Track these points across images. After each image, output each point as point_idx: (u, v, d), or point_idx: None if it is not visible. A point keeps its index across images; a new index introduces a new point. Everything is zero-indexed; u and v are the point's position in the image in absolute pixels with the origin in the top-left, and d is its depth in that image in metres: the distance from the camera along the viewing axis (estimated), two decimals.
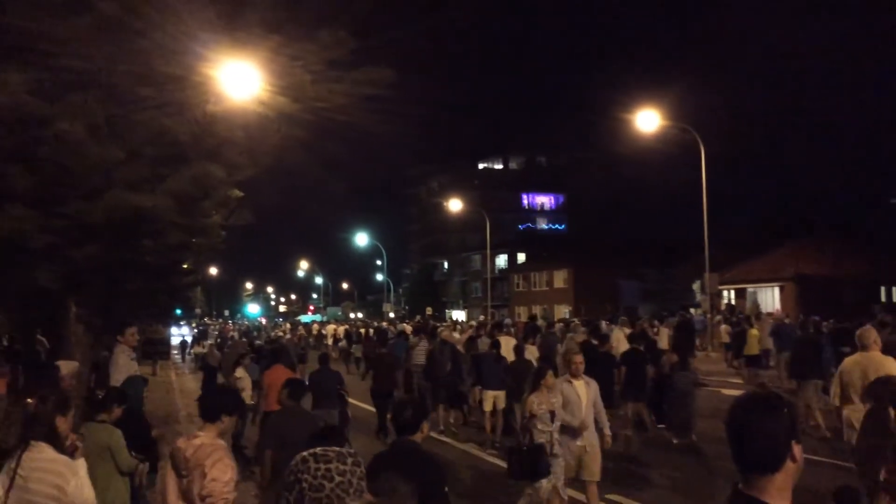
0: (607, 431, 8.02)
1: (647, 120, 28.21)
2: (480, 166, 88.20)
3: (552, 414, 7.48)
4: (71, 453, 4.19)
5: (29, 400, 4.18)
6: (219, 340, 27.57)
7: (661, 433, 12.21)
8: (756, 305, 38.49)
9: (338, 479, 2.06)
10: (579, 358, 8.05)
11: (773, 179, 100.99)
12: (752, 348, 19.03)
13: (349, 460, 2.13)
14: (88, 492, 4.04)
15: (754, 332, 19.17)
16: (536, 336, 15.89)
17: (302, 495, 2.01)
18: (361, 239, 66.23)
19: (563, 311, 55.16)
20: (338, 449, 2.11)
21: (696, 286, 39.20)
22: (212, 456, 4.07)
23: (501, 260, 76.38)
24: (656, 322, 23.80)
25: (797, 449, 2.12)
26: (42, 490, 3.91)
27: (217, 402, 4.51)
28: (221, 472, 4.02)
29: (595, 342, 13.71)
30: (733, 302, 41.65)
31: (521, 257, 74.92)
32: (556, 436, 7.49)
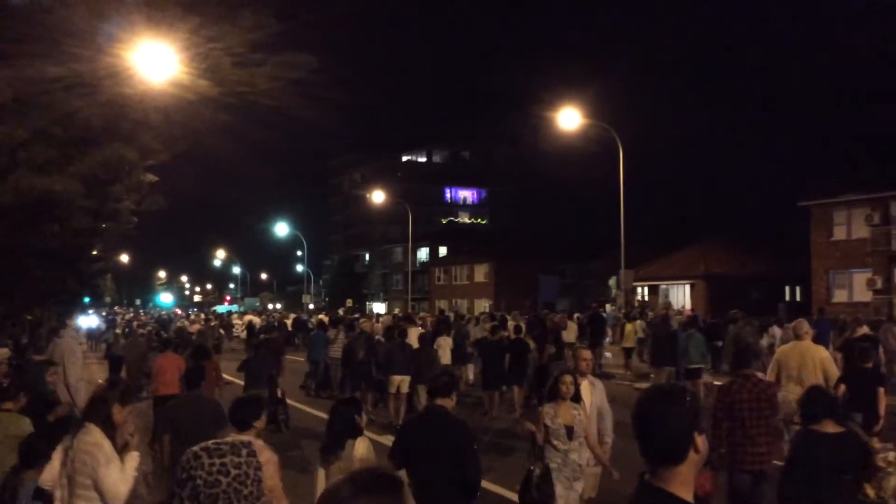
0: (608, 439, 6.78)
1: (569, 118, 28.68)
2: (404, 159, 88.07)
3: (570, 430, 5.97)
4: (122, 445, 4.45)
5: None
6: (126, 330, 26.83)
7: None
8: (668, 302, 39.75)
9: (234, 472, 2.00)
10: (587, 353, 7.04)
11: (688, 179, 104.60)
12: (629, 341, 20.69)
13: (244, 451, 2.07)
14: (122, 486, 4.24)
15: (630, 326, 20.85)
16: (448, 328, 17.24)
17: (196, 492, 1.93)
18: (281, 229, 65.23)
19: (483, 304, 55.66)
20: (231, 441, 2.05)
21: (612, 282, 40.16)
22: (261, 455, 4.20)
23: (423, 253, 76.49)
24: (562, 315, 24.63)
25: (700, 440, 2.17)
26: (82, 470, 4.27)
27: (242, 411, 4.63)
28: (272, 468, 4.17)
29: (504, 333, 14.92)
30: (646, 298, 42.86)
31: (443, 251, 75.19)
32: (572, 457, 6.01)
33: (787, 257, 41.78)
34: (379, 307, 70.99)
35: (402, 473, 4.88)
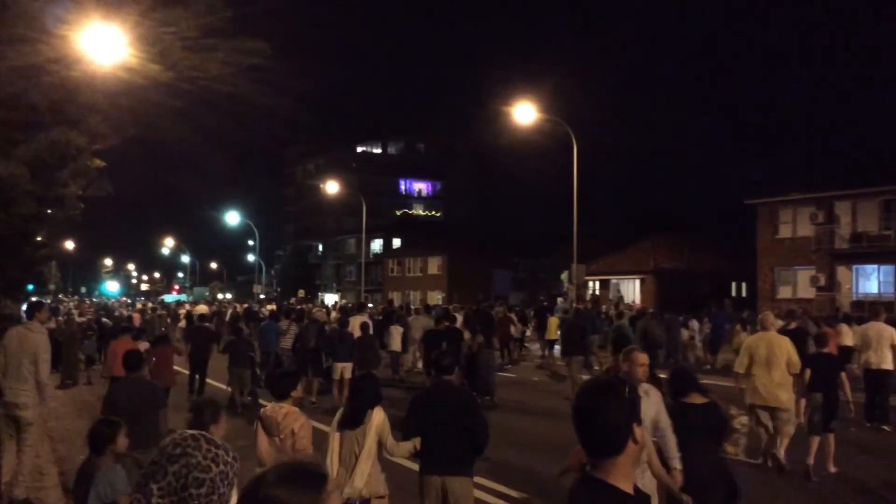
0: (676, 464, 5.38)
1: (524, 112, 28.82)
2: (359, 149, 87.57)
3: None
4: None
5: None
6: (66, 317, 26.73)
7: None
8: (619, 296, 40.33)
9: (222, 466, 2.02)
10: (643, 357, 5.60)
11: (641, 176, 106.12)
12: (552, 333, 21.47)
13: (231, 454, 2.09)
14: None
15: (554, 319, 21.83)
16: (393, 318, 18.96)
17: (188, 470, 1.95)
18: (233, 217, 64.29)
19: (436, 297, 55.73)
20: (220, 442, 2.08)
21: (564, 276, 40.57)
22: (298, 420, 5.28)
23: (377, 244, 76.24)
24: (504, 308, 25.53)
25: (638, 431, 2.21)
26: None
27: (283, 383, 5.63)
28: (306, 431, 5.27)
29: (447, 324, 15.78)
30: (598, 292, 43.42)
31: (397, 243, 75.05)
32: (639, 483, 5.27)
33: (734, 254, 42.74)
34: (332, 298, 70.61)
35: (417, 441, 5.58)
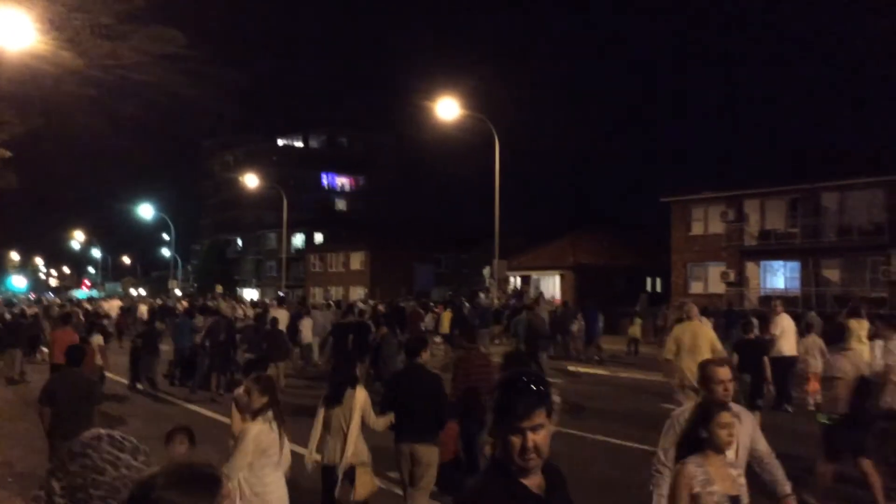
0: (787, 489, 4.54)
1: (447, 108, 28.92)
2: (280, 142, 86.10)
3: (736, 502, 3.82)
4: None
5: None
6: None
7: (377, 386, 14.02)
8: (539, 292, 40.90)
9: (122, 471, 1.92)
10: (725, 373, 4.50)
11: (562, 173, 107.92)
12: (444, 328, 22.52)
13: (140, 458, 1.99)
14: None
15: (447, 314, 22.85)
16: (303, 313, 20.44)
17: (86, 470, 1.86)
18: (146, 210, 62.29)
19: (358, 292, 55.37)
20: (135, 442, 1.98)
21: (486, 272, 40.93)
22: None
23: (298, 239, 75.15)
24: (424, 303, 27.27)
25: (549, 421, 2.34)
26: None
27: (254, 368, 6.51)
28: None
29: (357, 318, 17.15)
30: (519, 288, 43.95)
31: (319, 238, 74.13)
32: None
33: (650, 250, 43.92)
34: (251, 294, 69.23)
35: (392, 415, 6.58)
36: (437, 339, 23.01)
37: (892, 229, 29.56)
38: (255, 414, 5.26)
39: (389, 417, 6.60)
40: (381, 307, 24.85)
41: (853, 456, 7.41)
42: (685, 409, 4.65)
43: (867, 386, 7.76)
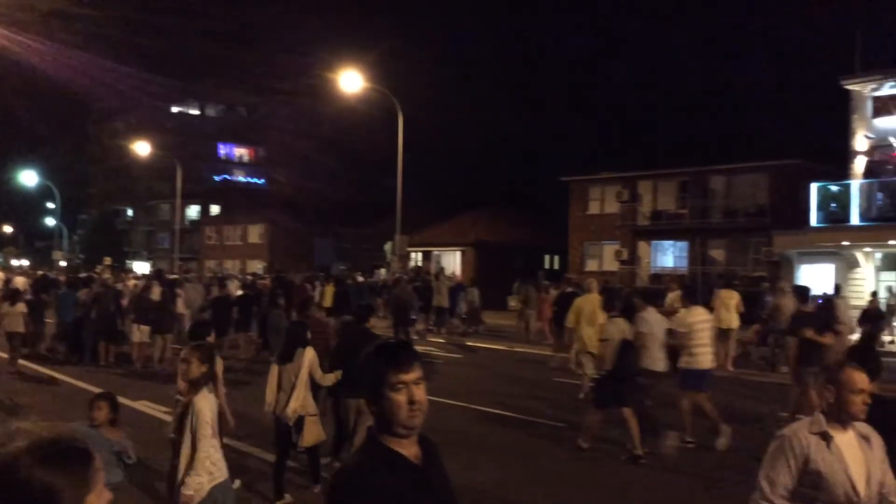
0: None
1: (351, 80, 28.46)
2: (174, 110, 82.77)
3: None
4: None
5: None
6: None
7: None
8: (440, 268, 41.07)
9: None
10: (862, 378, 3.47)
11: (465, 149, 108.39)
12: (326, 302, 22.58)
13: None
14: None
15: (329, 287, 23.16)
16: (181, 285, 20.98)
17: None
18: (29, 177, 58.84)
19: (256, 266, 54.19)
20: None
21: (387, 247, 40.76)
22: (219, 362, 6.66)
23: (193, 211, 72.79)
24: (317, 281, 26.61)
25: None
26: None
27: (199, 331, 7.04)
28: (218, 365, 6.48)
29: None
30: (420, 263, 44.05)
31: (216, 209, 72.02)
32: None
33: (549, 228, 44.83)
34: (142, 266, 66.67)
35: (339, 373, 7.56)
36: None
37: (774, 212, 31.19)
38: (193, 383, 5.25)
39: (337, 374, 7.59)
40: (266, 281, 25.01)
41: (617, 405, 8.73)
42: (798, 427, 3.54)
43: (629, 347, 8.92)
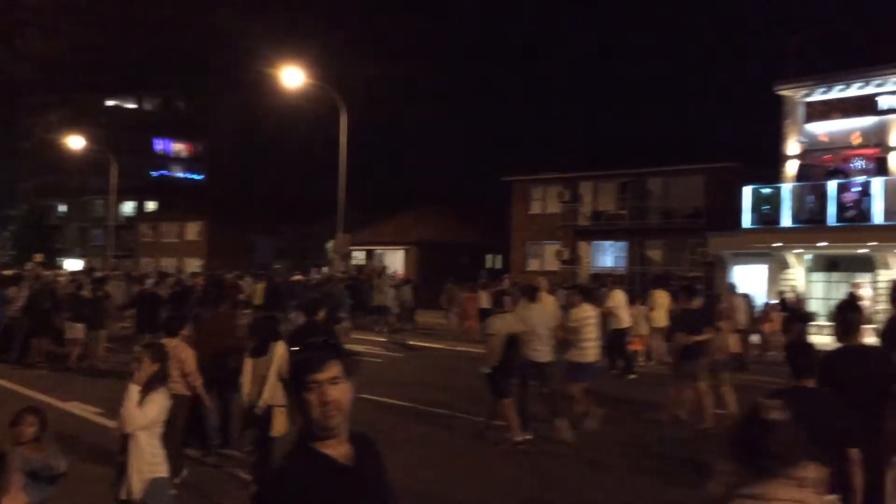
0: None
1: (292, 76, 28.12)
2: (109, 103, 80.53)
3: None
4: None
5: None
6: None
7: None
8: (382, 267, 40.90)
9: None
10: None
11: (408, 148, 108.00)
12: (258, 299, 22.70)
13: None
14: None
15: (260, 285, 23.31)
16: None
17: None
18: None
19: (194, 264, 53.08)
20: None
21: (329, 245, 40.42)
22: (185, 351, 7.54)
23: (129, 207, 70.97)
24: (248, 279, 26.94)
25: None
26: None
27: (174, 325, 7.86)
28: (192, 359, 7.52)
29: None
30: (363, 262, 43.80)
31: (152, 206, 70.36)
32: None
33: (491, 228, 45.08)
34: (75, 263, 64.68)
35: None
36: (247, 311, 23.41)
37: (709, 214, 31.95)
38: (145, 382, 5.29)
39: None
40: (199, 279, 24.92)
41: (500, 396, 9.18)
42: None
43: (514, 342, 9.34)
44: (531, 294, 10.24)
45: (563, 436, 9.38)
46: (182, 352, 7.43)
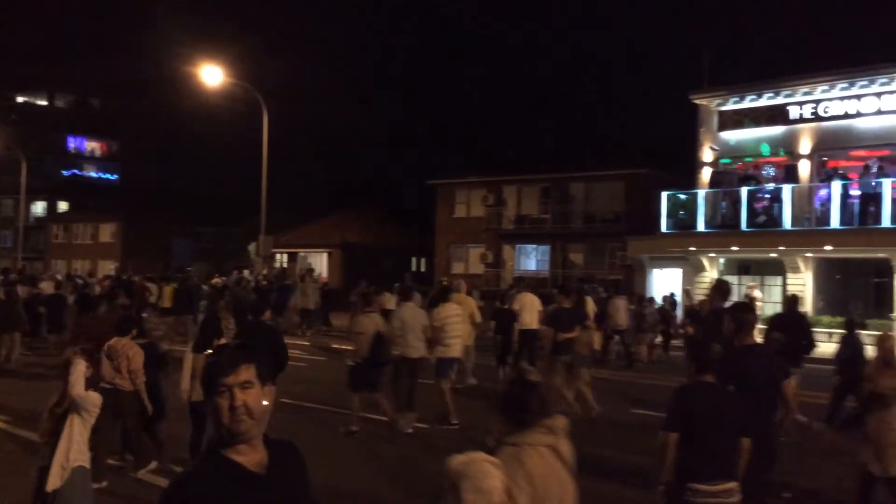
0: None
1: (212, 74, 27.51)
2: (20, 99, 77.11)
3: None
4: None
5: None
6: None
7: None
8: (308, 269, 40.34)
9: None
10: None
11: (332, 150, 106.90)
12: (165, 301, 23.04)
13: None
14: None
15: (169, 288, 23.29)
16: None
17: None
18: None
19: (108, 266, 51.31)
20: None
21: (251, 248, 39.67)
22: (132, 349, 7.66)
23: (39, 207, 68.10)
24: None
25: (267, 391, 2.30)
26: None
27: (124, 325, 7.95)
28: (139, 357, 7.65)
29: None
30: (286, 265, 43.16)
31: (64, 206, 67.72)
32: None
33: (416, 231, 45.08)
34: None
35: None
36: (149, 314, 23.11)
37: (629, 218, 32.72)
38: (73, 381, 5.41)
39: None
40: (105, 282, 24.38)
41: (369, 390, 9.81)
42: None
43: (381, 339, 9.93)
44: (406, 294, 10.91)
45: (406, 428, 9.95)
46: (129, 350, 7.60)
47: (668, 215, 26.34)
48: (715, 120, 27.82)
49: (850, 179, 23.45)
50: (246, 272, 34.31)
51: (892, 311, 21.91)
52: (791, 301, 11.71)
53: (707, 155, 27.84)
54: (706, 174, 27.58)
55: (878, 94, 23.99)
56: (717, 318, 7.53)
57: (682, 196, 26.74)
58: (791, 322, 10.68)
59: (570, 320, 11.12)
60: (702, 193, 26.16)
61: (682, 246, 25.75)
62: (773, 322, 11.11)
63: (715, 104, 27.72)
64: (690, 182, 27.79)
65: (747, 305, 6.69)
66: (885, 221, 21.52)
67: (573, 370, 11.09)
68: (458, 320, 10.97)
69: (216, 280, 27.96)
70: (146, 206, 57.57)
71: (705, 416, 4.39)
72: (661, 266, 28.50)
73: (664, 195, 26.65)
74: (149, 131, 76.91)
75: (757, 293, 22.75)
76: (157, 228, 55.13)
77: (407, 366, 10.19)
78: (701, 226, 25.50)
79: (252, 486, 2.18)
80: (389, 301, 19.10)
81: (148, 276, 28.46)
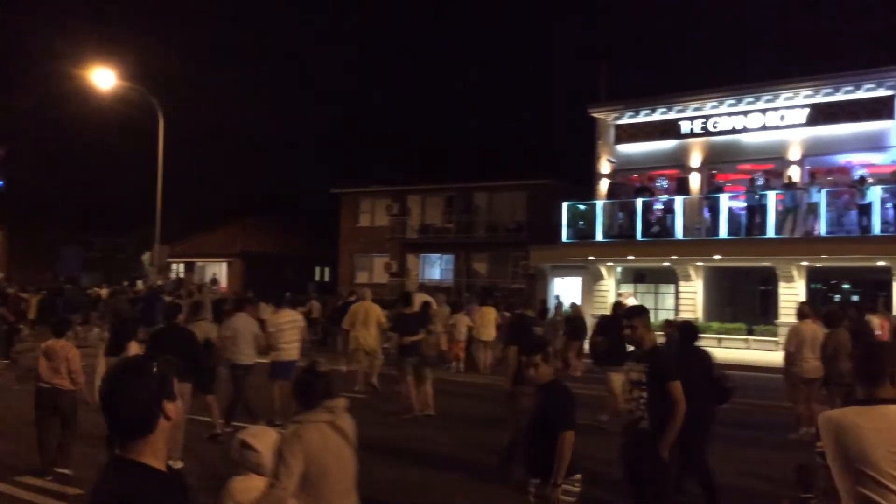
0: None
1: (103, 77, 26.34)
2: None
3: None
4: None
5: None
6: None
7: None
8: (211, 279, 39.18)
9: None
10: None
11: (233, 157, 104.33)
12: (31, 313, 22.29)
13: None
14: None
15: (35, 299, 23.04)
16: None
17: None
18: None
19: None
20: None
21: (145, 257, 38.21)
22: (71, 350, 8.11)
23: None
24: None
25: (169, 407, 2.22)
26: None
27: (61, 327, 8.35)
28: (77, 358, 8.10)
29: None
30: (182, 275, 41.78)
31: None
32: None
33: (320, 240, 44.50)
34: None
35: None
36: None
37: (531, 228, 33.28)
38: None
39: None
40: None
41: (203, 393, 9.88)
42: None
43: (210, 345, 10.27)
44: (240, 305, 11.72)
45: (225, 428, 10.25)
46: (69, 351, 7.99)
47: (569, 225, 26.90)
48: (612, 133, 28.65)
49: (730, 192, 24.72)
50: (139, 283, 33.01)
51: (776, 318, 23.06)
52: (614, 307, 13.17)
53: (605, 167, 28.63)
54: (604, 185, 28.36)
55: (763, 111, 25.24)
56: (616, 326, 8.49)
57: (582, 206, 27.38)
58: (614, 326, 11.37)
59: (414, 324, 12.10)
60: (600, 204, 26.85)
61: (582, 255, 26.35)
62: (597, 327, 12.36)
63: (612, 118, 28.55)
64: (590, 193, 28.50)
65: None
66: (770, 232, 22.63)
67: (419, 371, 11.94)
68: (293, 326, 11.45)
69: (103, 290, 26.89)
70: (33, 212, 54.61)
71: None
72: (562, 275, 29.09)
73: (565, 205, 27.23)
74: (37, 135, 73.12)
75: (631, 300, 23.50)
76: (44, 236, 52.45)
77: (238, 371, 10.77)
78: (599, 235, 26.16)
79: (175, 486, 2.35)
80: (265, 310, 19.08)
81: (23, 286, 27.23)
